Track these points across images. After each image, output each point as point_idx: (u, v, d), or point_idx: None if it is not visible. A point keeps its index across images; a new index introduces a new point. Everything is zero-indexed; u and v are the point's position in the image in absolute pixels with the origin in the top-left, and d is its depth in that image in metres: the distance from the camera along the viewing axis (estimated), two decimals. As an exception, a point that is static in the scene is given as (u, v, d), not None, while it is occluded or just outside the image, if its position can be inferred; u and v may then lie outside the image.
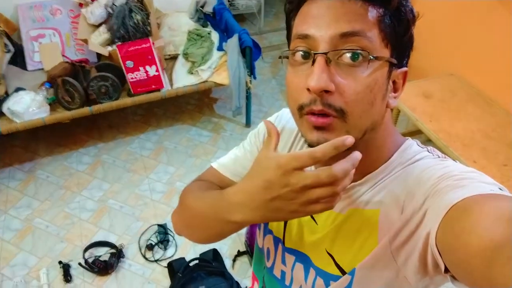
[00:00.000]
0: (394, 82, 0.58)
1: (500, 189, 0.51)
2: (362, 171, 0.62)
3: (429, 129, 2.08)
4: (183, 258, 2.02)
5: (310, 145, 0.56)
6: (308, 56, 0.55)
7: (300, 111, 0.56)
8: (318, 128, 0.55)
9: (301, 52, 0.55)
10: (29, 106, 2.33)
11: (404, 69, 0.59)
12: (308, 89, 0.53)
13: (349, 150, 0.54)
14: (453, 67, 2.51)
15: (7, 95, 2.41)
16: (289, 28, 0.61)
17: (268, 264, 0.82)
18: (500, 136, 2.01)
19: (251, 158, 0.81)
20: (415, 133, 2.60)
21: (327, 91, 0.52)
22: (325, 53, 0.53)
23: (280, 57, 0.60)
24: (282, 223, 0.75)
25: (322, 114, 0.54)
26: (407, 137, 0.65)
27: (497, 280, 0.38)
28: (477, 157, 1.90)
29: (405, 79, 0.60)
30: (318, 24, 0.53)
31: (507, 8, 2.11)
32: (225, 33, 2.85)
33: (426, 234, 0.52)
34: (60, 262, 2.01)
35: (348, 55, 0.52)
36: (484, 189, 0.49)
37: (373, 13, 0.53)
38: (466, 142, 1.98)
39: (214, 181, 0.81)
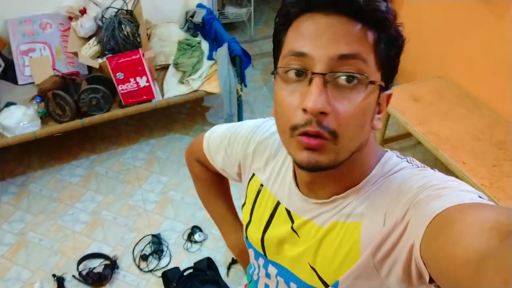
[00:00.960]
0: (378, 104, 0.58)
1: (480, 197, 0.51)
2: (346, 185, 0.63)
3: (418, 131, 2.10)
4: (178, 268, 2.02)
5: (299, 164, 0.57)
6: (303, 74, 0.54)
7: (292, 131, 0.55)
8: (309, 148, 0.54)
9: (295, 71, 0.54)
10: (20, 121, 2.34)
11: (389, 92, 0.60)
12: (304, 110, 0.52)
13: (334, 169, 0.57)
14: (441, 69, 2.54)
15: (-2, 109, 2.41)
16: (277, 43, 0.59)
17: (255, 277, 0.82)
18: (488, 137, 2.03)
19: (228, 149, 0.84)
20: (405, 136, 2.63)
21: (323, 113, 0.52)
22: (324, 74, 0.52)
23: (272, 73, 0.59)
24: (259, 237, 0.75)
25: (316, 135, 0.53)
26: (386, 149, 0.66)
27: None
28: (466, 158, 1.91)
29: (389, 101, 0.61)
30: (316, 43, 0.52)
31: (493, 11, 2.15)
32: (215, 42, 2.87)
33: (409, 246, 0.52)
34: (54, 275, 2.00)
35: (344, 77, 0.52)
36: (464, 198, 0.49)
37: (370, 36, 0.53)
38: (455, 144, 2.00)
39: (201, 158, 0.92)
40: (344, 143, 0.54)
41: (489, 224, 0.42)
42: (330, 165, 0.55)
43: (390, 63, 0.56)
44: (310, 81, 0.52)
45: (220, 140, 0.85)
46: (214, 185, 0.97)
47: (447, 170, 1.90)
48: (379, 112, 0.59)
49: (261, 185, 0.76)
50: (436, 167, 0.63)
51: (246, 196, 0.80)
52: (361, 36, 0.52)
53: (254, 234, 0.77)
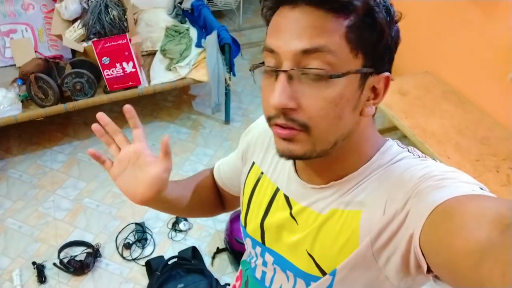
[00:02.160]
0: (374, 88, 0.57)
1: (481, 188, 0.51)
2: (342, 172, 0.62)
3: (404, 125, 2.12)
4: (162, 257, 2.00)
5: (278, 153, 0.59)
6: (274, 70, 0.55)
7: (269, 122, 0.58)
8: (284, 139, 0.56)
9: (267, 67, 0.56)
10: (0, 104, 2.26)
11: (385, 74, 0.57)
12: None
13: (322, 158, 0.58)
14: (428, 65, 2.56)
15: (-23, 91, 2.33)
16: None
17: (252, 265, 0.82)
18: (472, 133, 2.06)
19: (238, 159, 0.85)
20: (391, 129, 2.65)
21: (290, 107, 0.53)
22: (286, 71, 0.52)
23: (250, 69, 0.60)
24: (258, 225, 0.75)
25: (287, 126, 0.55)
26: (387, 138, 0.65)
27: (486, 282, 0.38)
28: (450, 153, 1.94)
29: (388, 84, 0.58)
30: (282, 39, 0.53)
31: (481, 9, 2.17)
32: (204, 30, 2.82)
33: (409, 236, 0.52)
34: (34, 263, 1.96)
35: (309, 74, 0.52)
36: (465, 189, 0.49)
37: (337, 24, 0.51)
38: (440, 138, 2.02)
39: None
40: (318, 134, 0.54)
41: (489, 216, 0.42)
42: (306, 155, 0.56)
43: (372, 46, 0.53)
44: (277, 77, 0.53)
45: (235, 153, 0.88)
46: (197, 175, 0.93)
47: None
48: (375, 97, 0.58)
49: (262, 173, 0.76)
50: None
51: (245, 186, 0.80)
52: (325, 26, 0.51)
53: (252, 222, 0.76)
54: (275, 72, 0.54)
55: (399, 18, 0.56)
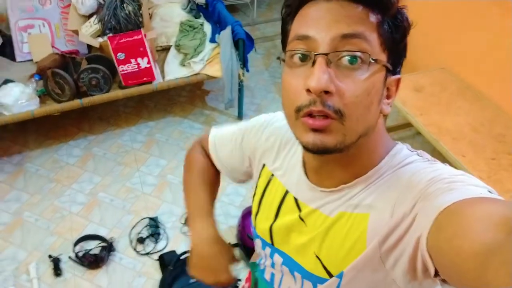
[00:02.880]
0: (387, 89, 0.59)
1: (490, 191, 0.51)
2: (353, 174, 0.62)
3: (419, 122, 2.09)
4: (174, 251, 2.03)
5: (306, 147, 0.57)
6: (307, 58, 0.55)
7: (297, 113, 0.56)
8: (315, 130, 0.55)
9: (299, 54, 0.55)
10: (18, 99, 2.30)
11: (398, 76, 0.60)
12: (308, 90, 0.53)
13: (341, 153, 0.57)
14: (444, 61, 2.52)
15: (-5, 87, 2.38)
16: (285, 32, 0.61)
17: (261, 267, 0.82)
18: (488, 130, 2.02)
19: (237, 146, 0.84)
20: (405, 126, 2.62)
21: (327, 92, 0.52)
22: (326, 54, 0.53)
23: (278, 58, 0.60)
24: (267, 227, 0.75)
25: (320, 116, 0.54)
26: (397, 141, 0.65)
27: (492, 283, 0.38)
28: (465, 151, 1.91)
29: (398, 86, 0.61)
30: (318, 26, 0.53)
31: (499, 6, 2.12)
32: (218, 25, 2.82)
33: (416, 238, 0.52)
34: (50, 256, 2.00)
35: (348, 57, 0.52)
36: (474, 192, 0.49)
37: (373, 17, 0.54)
38: (455, 135, 1.99)
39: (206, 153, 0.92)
40: (350, 123, 0.54)
41: (496, 219, 0.42)
42: (337, 147, 0.55)
43: (395, 46, 0.56)
44: (314, 62, 0.53)
45: (231, 134, 0.86)
46: (207, 174, 0.91)
47: (444, 162, 1.90)
48: (388, 97, 0.60)
49: (272, 175, 0.77)
50: (433, 158, 0.64)
51: (256, 187, 0.81)
52: (362, 17, 0.53)
53: (262, 224, 0.77)
54: (308, 59, 0.54)
55: (412, 27, 0.58)
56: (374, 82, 0.54)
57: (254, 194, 0.82)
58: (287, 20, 0.60)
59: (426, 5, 2.60)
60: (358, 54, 0.52)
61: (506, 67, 2.12)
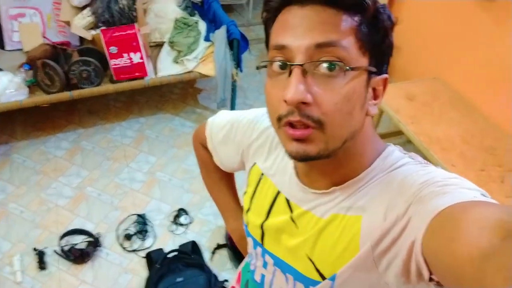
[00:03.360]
0: (374, 89, 0.58)
1: (483, 194, 0.51)
2: (344, 176, 0.62)
3: (410, 131, 2.11)
4: (162, 249, 2.01)
5: (289, 155, 0.58)
6: (285, 66, 0.54)
7: (279, 122, 0.56)
8: (297, 139, 0.55)
9: (278, 63, 0.55)
10: (6, 88, 2.26)
11: (384, 76, 0.59)
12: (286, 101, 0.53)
13: (328, 159, 0.57)
14: (437, 71, 2.56)
15: (-17, 74, 2.32)
16: (267, 36, 0.61)
17: (252, 267, 0.82)
18: (478, 142, 2.06)
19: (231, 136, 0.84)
20: (396, 134, 2.65)
21: (305, 103, 0.52)
22: (301, 65, 0.52)
23: (257, 68, 0.60)
24: (258, 226, 0.75)
25: (301, 125, 0.54)
26: (388, 144, 0.65)
27: (489, 287, 0.38)
28: (455, 161, 1.94)
29: (386, 85, 0.60)
30: (293, 35, 0.53)
31: (493, 16, 2.16)
32: (213, 24, 2.81)
33: (410, 242, 0.52)
34: (34, 249, 1.97)
35: (325, 65, 0.52)
36: (467, 196, 0.50)
37: (348, 22, 0.52)
38: (445, 146, 2.02)
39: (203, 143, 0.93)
40: (332, 131, 0.54)
41: (492, 222, 0.42)
42: (320, 154, 0.56)
43: (377, 47, 0.55)
44: (290, 72, 0.53)
45: (223, 125, 0.86)
46: (218, 172, 0.97)
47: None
48: (375, 98, 0.59)
49: (262, 174, 0.76)
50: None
51: (248, 184, 0.80)
52: (337, 23, 0.52)
53: (253, 222, 0.76)
54: (287, 68, 0.54)
55: (396, 24, 0.58)
56: (354, 88, 0.54)
57: (245, 192, 0.81)
58: (267, 24, 0.60)
59: (422, 14, 2.64)
60: (334, 62, 0.52)
61: (498, 80, 2.16)
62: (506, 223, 0.41)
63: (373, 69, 0.56)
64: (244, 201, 0.81)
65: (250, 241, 0.80)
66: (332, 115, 0.53)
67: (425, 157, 0.63)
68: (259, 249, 0.77)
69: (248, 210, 0.79)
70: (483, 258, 0.40)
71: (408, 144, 2.64)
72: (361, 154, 0.61)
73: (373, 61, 0.55)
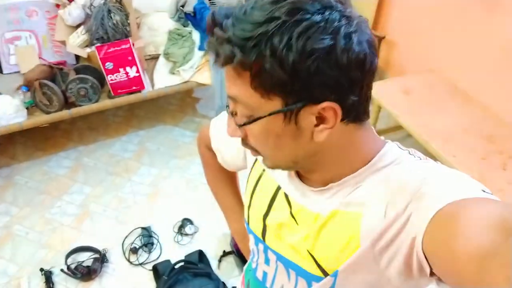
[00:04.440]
0: (321, 115, 0.54)
1: (483, 190, 0.51)
2: (339, 174, 0.62)
3: (409, 125, 2.11)
4: (168, 261, 2.00)
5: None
6: None
7: None
8: None
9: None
10: (5, 111, 2.27)
11: (324, 104, 0.53)
12: None
13: (298, 168, 0.65)
14: (432, 63, 2.55)
15: (-18, 99, 2.34)
16: None
17: (253, 265, 0.82)
18: (478, 131, 2.04)
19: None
20: (396, 128, 2.64)
21: None
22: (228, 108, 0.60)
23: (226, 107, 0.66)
24: (261, 222, 0.75)
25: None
26: (387, 140, 0.65)
27: (490, 285, 0.39)
28: (456, 151, 1.93)
29: (335, 111, 0.53)
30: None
31: (484, 5, 2.15)
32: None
33: (411, 239, 0.52)
34: (41, 269, 1.96)
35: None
36: (468, 192, 0.49)
37: (243, 76, 0.53)
38: (445, 137, 2.01)
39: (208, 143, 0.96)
40: (270, 158, 0.61)
41: (493, 221, 0.42)
42: (276, 168, 0.64)
43: (291, 86, 0.51)
44: None
45: (226, 124, 0.87)
46: (222, 173, 1.00)
47: (436, 161, 1.91)
48: (325, 123, 0.55)
49: (263, 169, 0.77)
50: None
51: (249, 180, 0.81)
52: (236, 80, 0.54)
53: (254, 218, 0.77)
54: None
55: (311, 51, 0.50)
56: (267, 130, 0.56)
57: (246, 188, 0.82)
58: None
59: (414, 6, 2.64)
60: (236, 119, 0.58)
61: (494, 67, 2.15)
62: (507, 222, 0.41)
63: (292, 107, 0.53)
64: (245, 197, 0.82)
65: (251, 238, 0.80)
66: (261, 148, 0.60)
67: (425, 150, 0.62)
68: (260, 246, 0.77)
69: (248, 207, 0.79)
70: (484, 257, 0.40)
71: (408, 138, 2.63)
72: (344, 160, 0.61)
73: (293, 97, 0.52)
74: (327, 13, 0.50)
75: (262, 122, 0.55)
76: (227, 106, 0.59)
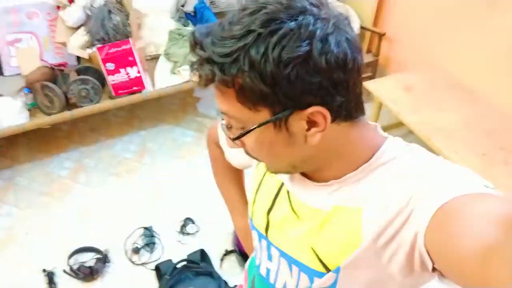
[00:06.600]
0: (310, 119, 0.54)
1: (486, 186, 0.51)
2: (338, 173, 0.62)
3: (410, 121, 2.10)
4: (170, 260, 2.01)
5: None
6: None
7: None
8: None
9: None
10: (7, 113, 2.28)
11: (310, 109, 0.53)
12: None
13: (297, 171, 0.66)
14: (432, 59, 2.54)
15: (-16, 101, 2.35)
16: None
17: (257, 262, 0.82)
18: (478, 126, 2.03)
19: None
20: (397, 125, 2.63)
21: None
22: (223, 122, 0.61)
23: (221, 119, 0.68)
24: (265, 218, 0.75)
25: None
26: (388, 136, 0.65)
27: (493, 282, 0.38)
28: (458, 147, 1.92)
29: (324, 114, 0.54)
30: None
31: (486, 1, 2.14)
32: (206, 32, 2.82)
33: (413, 235, 0.52)
34: (44, 270, 1.97)
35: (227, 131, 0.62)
36: (471, 188, 0.49)
37: (228, 92, 0.54)
38: (447, 133, 2.00)
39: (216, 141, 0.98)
40: (268, 164, 0.64)
41: (496, 216, 0.42)
42: (277, 173, 0.68)
43: (274, 96, 0.52)
44: None
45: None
46: (230, 170, 1.02)
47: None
48: (310, 128, 0.55)
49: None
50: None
51: (253, 177, 0.82)
52: (223, 96, 0.55)
53: (258, 214, 0.77)
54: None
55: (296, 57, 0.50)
56: (261, 140, 0.57)
57: (252, 184, 0.82)
58: None
59: (414, 3, 2.63)
60: (228, 133, 0.61)
61: (494, 62, 2.14)
62: (510, 217, 0.41)
63: (280, 115, 0.53)
64: (250, 193, 0.82)
65: (254, 234, 0.81)
66: (259, 158, 0.63)
67: (427, 146, 0.63)
68: (264, 242, 0.77)
69: (253, 202, 0.80)
70: (487, 253, 0.40)
71: (409, 135, 2.62)
72: (344, 158, 0.61)
73: (280, 106, 0.53)
74: (300, 18, 0.50)
75: (254, 133, 0.56)
76: (222, 119, 0.60)
